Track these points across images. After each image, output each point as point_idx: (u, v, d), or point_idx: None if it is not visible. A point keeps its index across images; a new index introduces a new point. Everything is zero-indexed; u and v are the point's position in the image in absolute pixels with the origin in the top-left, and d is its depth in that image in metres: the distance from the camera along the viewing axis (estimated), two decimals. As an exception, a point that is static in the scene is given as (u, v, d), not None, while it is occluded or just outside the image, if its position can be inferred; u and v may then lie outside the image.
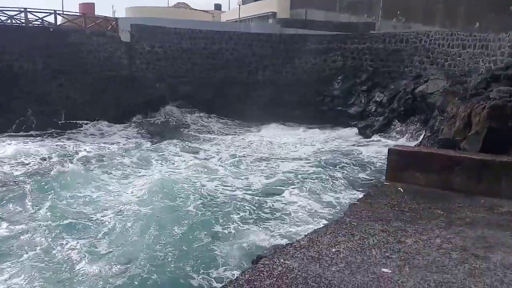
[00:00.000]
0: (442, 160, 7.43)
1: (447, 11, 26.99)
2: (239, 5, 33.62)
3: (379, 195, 6.86)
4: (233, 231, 9.61)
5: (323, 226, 5.52)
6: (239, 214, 10.67)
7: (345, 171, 15.33)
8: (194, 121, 23.46)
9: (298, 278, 4.16)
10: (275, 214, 10.77)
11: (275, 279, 4.15)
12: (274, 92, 24.68)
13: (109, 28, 24.19)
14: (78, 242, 9.07)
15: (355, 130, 22.14)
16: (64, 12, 25.07)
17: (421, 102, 20.49)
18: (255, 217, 10.62)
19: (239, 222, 10.17)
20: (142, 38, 24.31)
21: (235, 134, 21.52)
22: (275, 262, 4.47)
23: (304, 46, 25.18)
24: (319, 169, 15.13)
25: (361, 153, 18.62)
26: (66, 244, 9.02)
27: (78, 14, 27.55)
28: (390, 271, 4.37)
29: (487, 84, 16.01)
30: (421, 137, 19.37)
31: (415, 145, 17.57)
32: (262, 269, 4.35)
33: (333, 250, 4.81)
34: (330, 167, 15.54)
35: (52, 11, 22.50)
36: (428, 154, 7.58)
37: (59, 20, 23.34)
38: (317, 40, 25.17)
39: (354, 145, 20.18)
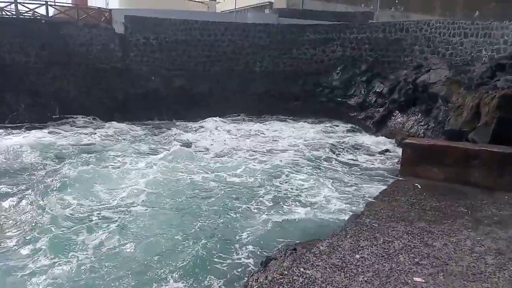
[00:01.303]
0: (458, 153, 7.03)
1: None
2: (235, -5, 32.92)
3: (396, 192, 6.45)
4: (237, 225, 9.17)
5: (341, 229, 5.08)
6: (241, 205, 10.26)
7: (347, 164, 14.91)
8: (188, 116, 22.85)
9: (323, 291, 3.74)
10: (279, 204, 10.34)
11: (297, 292, 3.73)
12: (272, 84, 24.12)
13: (102, 19, 23.45)
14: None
15: (352, 124, 21.82)
16: (56, 3, 24.27)
17: (422, 93, 20.03)
18: (257, 208, 10.17)
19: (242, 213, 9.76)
20: (136, 29, 23.59)
21: (234, 127, 20.96)
22: (295, 272, 4.05)
23: (302, 36, 24.59)
24: (320, 161, 14.70)
25: (362, 145, 18.23)
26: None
27: (70, 5, 26.72)
28: (423, 281, 3.96)
29: (493, 73, 15.61)
30: (423, 128, 19.01)
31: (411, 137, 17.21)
32: (282, 280, 3.92)
33: (357, 256, 4.39)
34: (331, 158, 15.12)
35: (44, 2, 21.72)
36: (444, 148, 7.17)
37: (51, 11, 22.56)
38: (315, 30, 24.58)
39: (355, 137, 19.77)
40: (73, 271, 7.44)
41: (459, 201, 6.02)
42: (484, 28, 19.65)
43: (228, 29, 24.69)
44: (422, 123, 19.60)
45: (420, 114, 20.20)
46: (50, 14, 22.32)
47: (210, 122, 21.62)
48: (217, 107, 23.26)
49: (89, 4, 29.62)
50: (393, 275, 4.03)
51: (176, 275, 7.31)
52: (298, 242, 7.35)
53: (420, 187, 6.67)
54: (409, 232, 5.00)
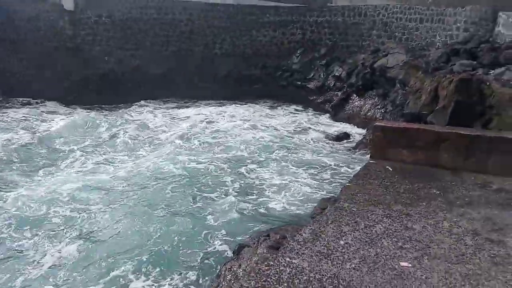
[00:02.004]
0: (428, 136, 7.12)
1: (402, -16, 26.97)
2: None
3: (369, 175, 6.44)
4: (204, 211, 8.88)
5: (322, 214, 4.97)
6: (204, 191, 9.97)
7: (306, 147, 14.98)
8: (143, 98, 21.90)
9: (312, 282, 3.60)
10: (246, 190, 10.15)
11: (285, 284, 3.56)
12: (232, 66, 23.68)
13: (49, -6, 21.85)
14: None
15: (311, 108, 21.95)
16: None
17: (380, 77, 20.43)
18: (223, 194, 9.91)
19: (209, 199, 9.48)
20: (87, 6, 22.17)
21: (192, 110, 20.40)
22: (281, 262, 3.88)
23: (263, 18, 24.22)
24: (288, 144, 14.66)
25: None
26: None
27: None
28: (410, 265, 3.93)
29: (448, 58, 16.14)
30: (381, 111, 19.46)
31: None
32: (268, 272, 3.74)
33: (342, 242, 4.30)
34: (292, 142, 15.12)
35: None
36: (415, 130, 7.23)
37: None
38: (275, 12, 24.28)
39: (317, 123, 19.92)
40: (29, 280, 6.86)
41: (431, 183, 6.11)
42: (438, 14, 20.24)
43: (187, 8, 23.85)
44: (379, 107, 20.06)
45: (377, 98, 20.64)
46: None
47: (169, 107, 20.93)
48: (175, 89, 22.55)
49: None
50: (380, 261, 3.97)
51: (145, 272, 6.96)
52: (270, 228, 7.25)
53: (391, 169, 6.70)
54: (388, 215, 4.98)
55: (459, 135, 6.87)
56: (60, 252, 7.55)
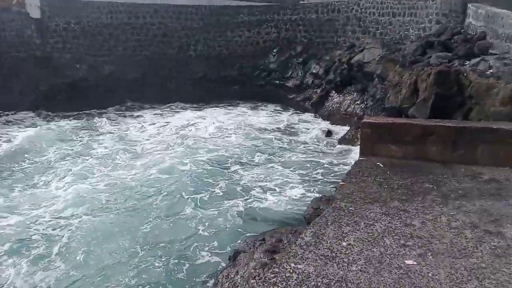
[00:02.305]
0: (416, 130, 7.14)
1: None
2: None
3: (361, 172, 6.40)
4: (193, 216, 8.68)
5: (321, 216, 4.88)
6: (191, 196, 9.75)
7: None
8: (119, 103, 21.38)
9: (320, 287, 3.50)
10: (231, 192, 9.98)
11: (294, 291, 3.45)
12: (208, 68, 23.44)
13: (13, 2, 21.04)
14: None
15: (291, 107, 21.93)
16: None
17: (357, 72, 20.61)
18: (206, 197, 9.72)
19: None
20: (55, 13, 21.50)
21: (168, 117, 20.04)
22: (287, 269, 3.76)
23: (237, 18, 24.08)
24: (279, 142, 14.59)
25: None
26: None
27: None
28: (415, 263, 3.88)
29: (423, 51, 16.38)
30: (360, 106, 19.61)
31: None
32: (275, 280, 3.61)
33: (344, 244, 4.22)
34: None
35: None
36: (402, 125, 7.24)
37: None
38: (249, 12, 24.18)
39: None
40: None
41: (422, 177, 6.12)
42: (410, 8, 20.58)
43: (158, 11, 23.48)
44: (359, 102, 20.22)
45: (356, 93, 20.81)
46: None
47: (146, 113, 20.47)
48: (150, 95, 22.14)
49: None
50: (385, 260, 3.91)
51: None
52: (264, 231, 7.12)
53: (382, 166, 6.68)
54: (386, 213, 4.94)
55: (445, 128, 6.91)
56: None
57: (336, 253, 4.03)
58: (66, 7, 21.77)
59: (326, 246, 4.16)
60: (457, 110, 11.56)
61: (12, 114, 18.49)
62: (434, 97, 11.91)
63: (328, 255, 3.99)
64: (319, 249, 4.10)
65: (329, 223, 4.66)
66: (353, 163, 7.36)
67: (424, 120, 8.36)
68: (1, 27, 19.46)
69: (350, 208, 5.06)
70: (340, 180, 6.38)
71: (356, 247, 4.15)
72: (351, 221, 4.72)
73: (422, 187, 5.80)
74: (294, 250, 4.10)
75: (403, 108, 12.98)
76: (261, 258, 5.94)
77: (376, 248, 4.13)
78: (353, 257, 3.96)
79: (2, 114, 18.21)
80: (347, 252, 4.05)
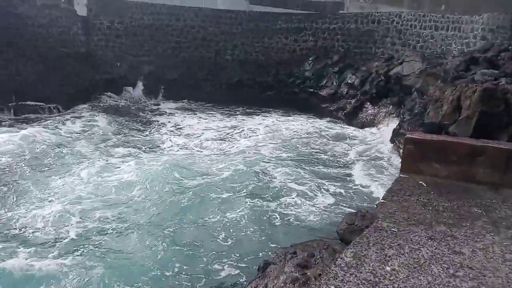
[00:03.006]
0: (462, 149, 6.78)
1: (414, -8, 26.76)
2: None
3: (403, 191, 6.10)
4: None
5: (362, 236, 4.64)
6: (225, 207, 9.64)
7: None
8: (157, 104, 21.81)
9: (365, 315, 3.29)
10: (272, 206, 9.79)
11: (336, 317, 3.25)
12: (244, 73, 23.46)
13: (62, 0, 21.82)
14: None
15: (327, 117, 21.58)
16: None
17: (395, 85, 20.11)
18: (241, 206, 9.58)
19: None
20: (100, 12, 22.11)
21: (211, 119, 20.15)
22: (327, 291, 3.57)
23: (275, 25, 24.01)
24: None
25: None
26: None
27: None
28: (467, 296, 3.60)
29: (466, 67, 15.79)
30: (396, 120, 19.06)
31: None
32: (315, 302, 3.43)
33: (388, 268, 3.97)
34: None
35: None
36: (448, 143, 6.89)
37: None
38: (288, 19, 24.08)
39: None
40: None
41: (470, 201, 5.77)
42: (454, 22, 19.93)
43: (198, 14, 23.74)
44: (394, 115, 19.70)
45: (391, 106, 20.30)
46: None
47: (177, 112, 20.70)
48: (186, 96, 22.41)
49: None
50: (433, 291, 3.64)
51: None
52: (295, 244, 6.91)
53: (425, 185, 6.36)
54: (432, 237, 4.66)
55: (495, 149, 6.53)
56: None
57: (380, 278, 3.80)
58: (111, 6, 22.34)
59: (369, 269, 3.93)
60: (503, 131, 11.02)
61: (50, 106, 18.86)
62: (479, 115, 11.39)
63: (371, 280, 3.76)
64: (361, 272, 3.87)
65: (370, 244, 4.42)
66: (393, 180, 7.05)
67: (470, 139, 7.92)
68: (49, 23, 20.13)
69: (393, 229, 4.80)
70: (381, 197, 6.09)
71: (401, 273, 3.90)
72: (395, 243, 4.46)
73: (470, 211, 5.46)
74: (334, 271, 3.89)
75: (443, 124, 12.48)
76: (291, 272, 5.75)
77: (423, 277, 3.86)
78: (398, 285, 3.71)
79: (41, 105, 18.53)
80: (391, 278, 3.81)
